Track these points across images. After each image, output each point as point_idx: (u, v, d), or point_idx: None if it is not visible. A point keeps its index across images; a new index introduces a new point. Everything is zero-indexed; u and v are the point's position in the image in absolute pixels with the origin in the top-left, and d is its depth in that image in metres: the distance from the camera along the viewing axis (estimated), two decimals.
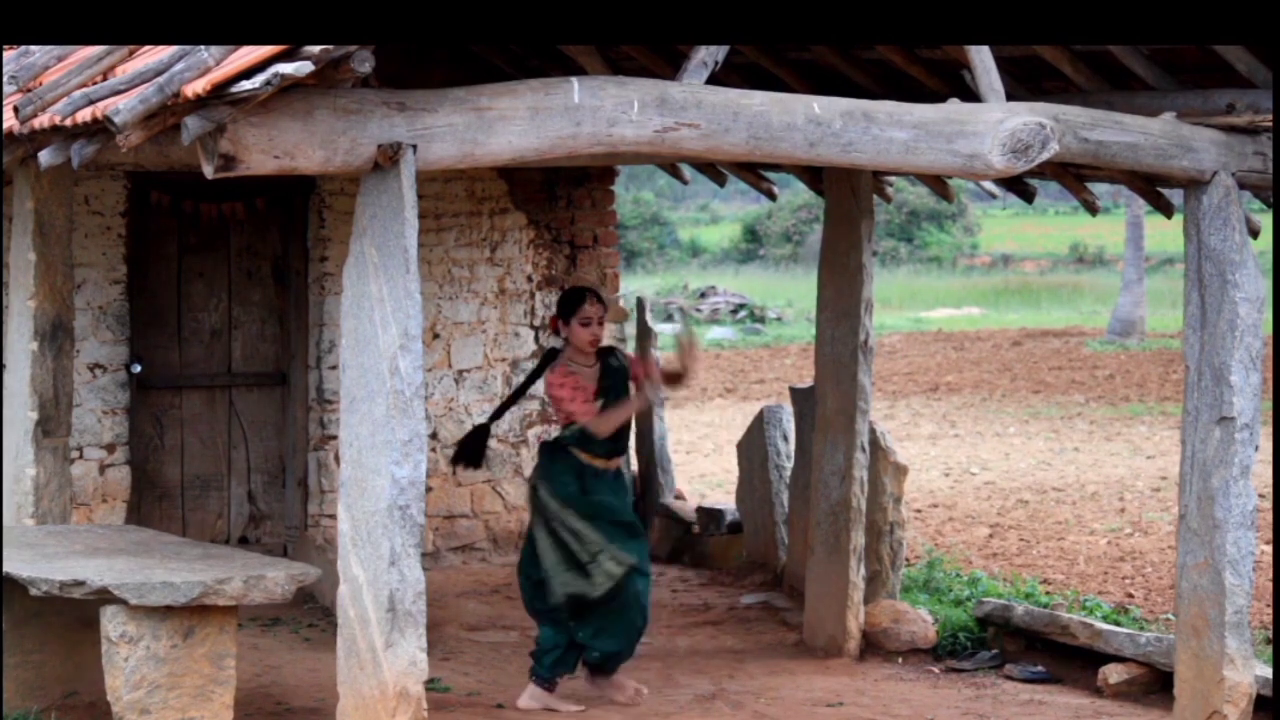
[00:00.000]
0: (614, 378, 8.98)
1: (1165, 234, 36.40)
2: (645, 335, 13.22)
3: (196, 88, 6.35)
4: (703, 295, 37.78)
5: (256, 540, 11.79)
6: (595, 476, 8.88)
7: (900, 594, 11.19)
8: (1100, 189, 13.56)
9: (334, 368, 11.75)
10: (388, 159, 6.81)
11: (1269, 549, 12.91)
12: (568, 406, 8.88)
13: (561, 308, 9.01)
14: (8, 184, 9.58)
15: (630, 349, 13.27)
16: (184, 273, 11.67)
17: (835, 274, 10.68)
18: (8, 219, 9.51)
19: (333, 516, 11.56)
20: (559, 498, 8.85)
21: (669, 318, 35.32)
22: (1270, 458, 13.61)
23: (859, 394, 10.52)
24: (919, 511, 15.34)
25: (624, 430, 9.01)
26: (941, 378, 26.58)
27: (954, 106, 7.77)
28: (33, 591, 7.78)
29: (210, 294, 11.73)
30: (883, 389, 25.02)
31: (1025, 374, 26.84)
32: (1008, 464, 18.64)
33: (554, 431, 9.40)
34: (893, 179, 11.84)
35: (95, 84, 7.00)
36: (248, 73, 6.35)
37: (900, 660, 10.55)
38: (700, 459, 18.75)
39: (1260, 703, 8.75)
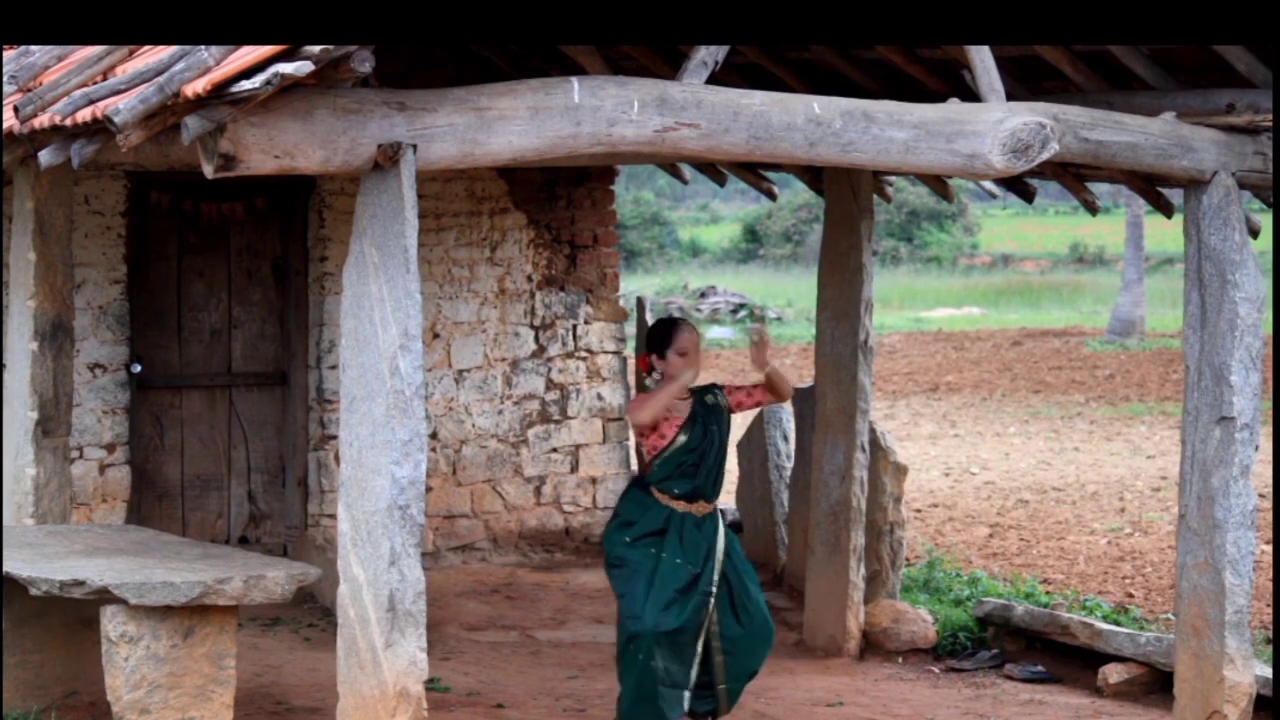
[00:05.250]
0: (709, 414, 8.31)
1: (1165, 234, 36.43)
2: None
3: (196, 88, 6.35)
4: (703, 295, 37.77)
5: (256, 540, 11.78)
6: (682, 523, 8.21)
7: (900, 594, 11.19)
8: (1100, 189, 13.56)
9: (334, 367, 11.75)
10: (388, 159, 6.81)
11: (1269, 549, 12.91)
12: (642, 425, 8.21)
13: (654, 342, 8.34)
14: (8, 184, 9.58)
15: (630, 349, 13.27)
16: (184, 273, 11.67)
17: (835, 274, 10.69)
18: (8, 219, 9.51)
19: (333, 516, 11.56)
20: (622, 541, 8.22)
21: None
22: (1270, 458, 13.62)
23: (859, 394, 10.53)
24: (919, 511, 15.34)
25: (702, 471, 8.26)
26: (941, 378, 26.58)
27: (954, 106, 7.77)
28: (33, 591, 7.78)
29: (210, 294, 11.73)
30: (883, 389, 25.02)
31: (1025, 374, 26.84)
32: (1008, 464, 18.64)
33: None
34: (893, 179, 11.84)
35: (95, 84, 7.00)
36: (248, 73, 6.35)
37: (900, 660, 10.56)
38: None
39: (1260, 703, 8.75)
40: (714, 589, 8.23)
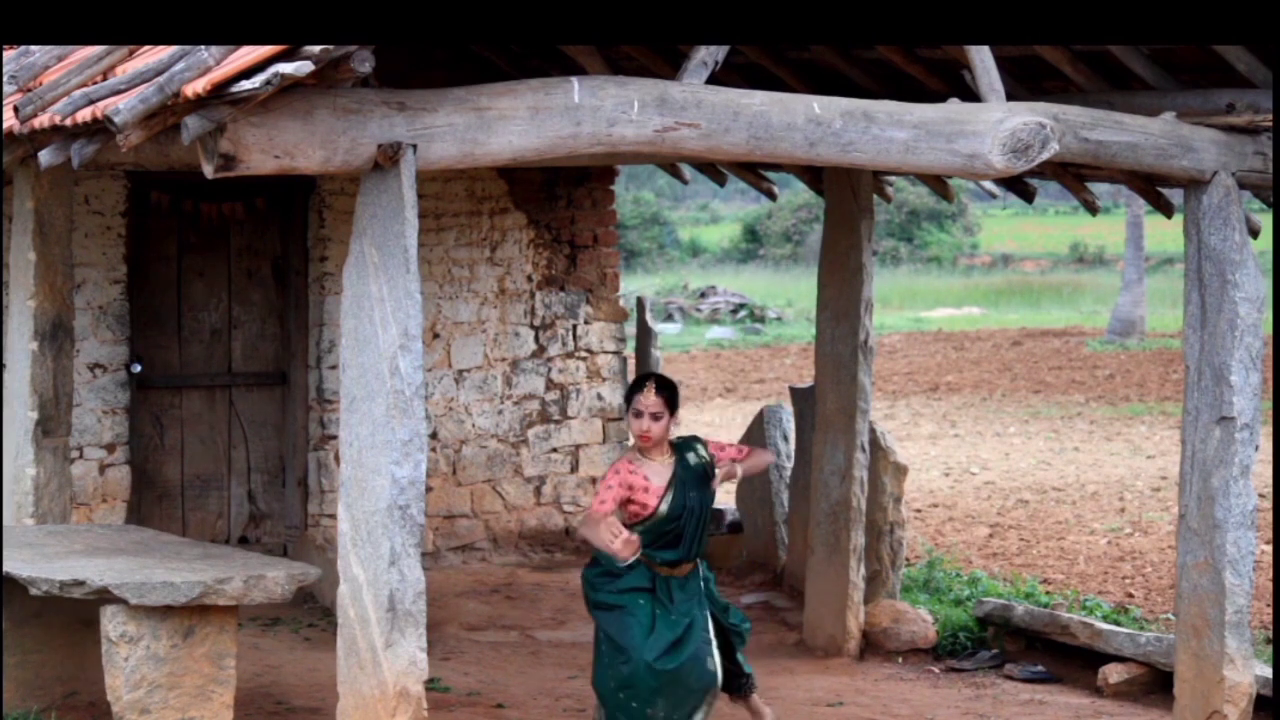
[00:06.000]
0: (690, 477, 7.95)
1: (1165, 234, 36.43)
2: (645, 335, 13.23)
3: (196, 87, 6.35)
4: (703, 295, 37.77)
5: (256, 540, 11.78)
6: (668, 585, 7.97)
7: (900, 594, 11.19)
8: (1100, 189, 13.57)
9: (334, 367, 11.75)
10: (388, 159, 6.81)
11: (1269, 549, 12.91)
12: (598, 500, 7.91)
13: (626, 396, 8.14)
14: (8, 184, 9.59)
15: (630, 349, 13.28)
16: (184, 273, 11.67)
17: (835, 274, 10.69)
18: (8, 219, 9.51)
19: (333, 516, 11.56)
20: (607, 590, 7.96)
21: (669, 317, 35.32)
22: (1270, 458, 13.61)
23: (859, 394, 10.53)
24: (919, 511, 15.34)
25: (685, 540, 7.93)
26: (941, 378, 26.58)
27: (954, 106, 7.77)
28: (33, 591, 7.78)
29: (210, 294, 11.73)
30: (883, 389, 25.02)
31: (1025, 374, 26.84)
32: (1008, 464, 18.64)
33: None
34: (893, 179, 11.84)
35: (95, 84, 7.00)
36: (248, 72, 6.35)
37: (900, 660, 10.56)
38: None
39: (1260, 703, 8.75)
40: (710, 634, 7.98)
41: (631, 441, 8.21)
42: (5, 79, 7.89)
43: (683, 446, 8.01)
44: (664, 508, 7.87)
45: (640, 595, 7.91)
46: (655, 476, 7.90)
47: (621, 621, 7.87)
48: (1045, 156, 7.80)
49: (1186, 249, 8.54)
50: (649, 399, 7.88)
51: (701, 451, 8.03)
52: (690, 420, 21.94)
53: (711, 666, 7.93)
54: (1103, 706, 9.61)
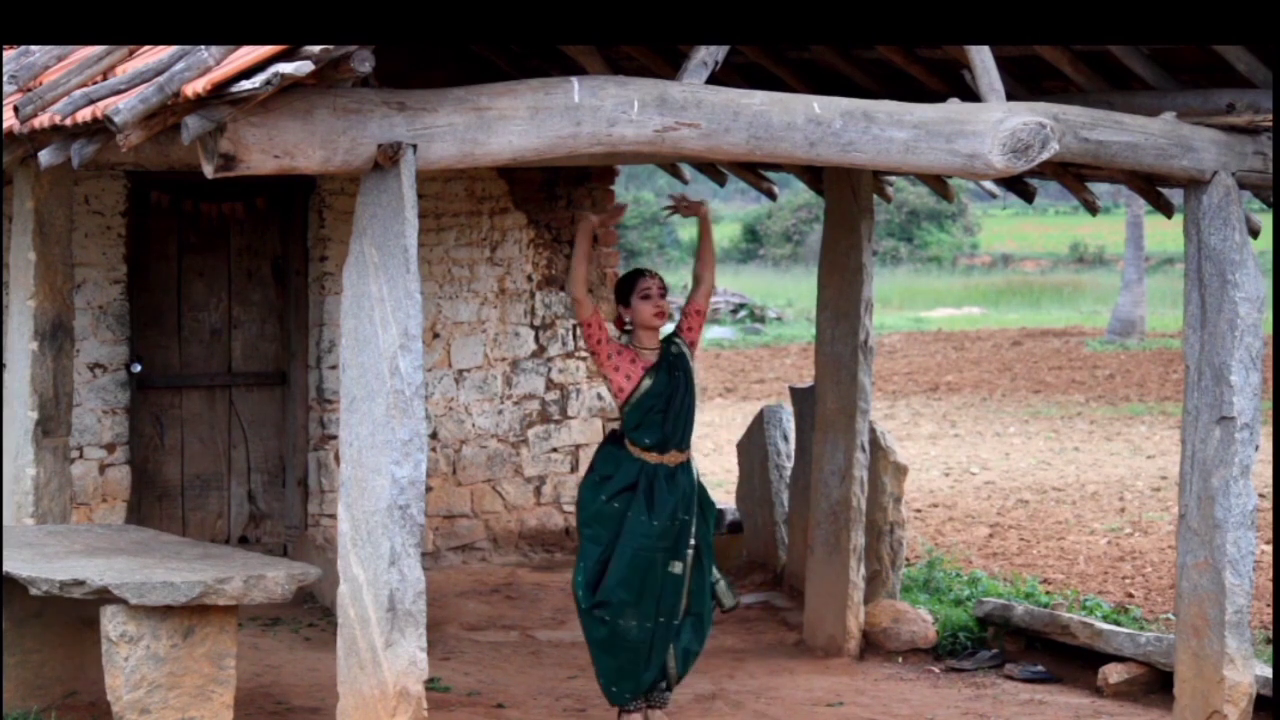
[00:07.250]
0: (675, 361, 8.57)
1: (1165, 234, 36.44)
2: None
3: (196, 87, 6.35)
4: None
5: (256, 540, 11.78)
6: (654, 476, 8.37)
7: (900, 594, 11.19)
8: (1100, 189, 13.57)
9: (334, 367, 11.75)
10: (388, 159, 6.81)
11: (1269, 549, 12.91)
12: (603, 364, 8.47)
13: (620, 293, 8.64)
14: (8, 184, 9.59)
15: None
16: (184, 273, 11.67)
17: (835, 274, 10.69)
18: (8, 219, 9.51)
19: (333, 516, 11.56)
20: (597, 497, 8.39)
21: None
22: (1270, 458, 13.62)
23: (859, 394, 10.53)
24: (919, 511, 15.34)
25: (670, 418, 8.44)
26: (941, 378, 26.58)
27: (954, 106, 7.77)
28: (33, 591, 7.78)
29: (210, 294, 11.73)
30: (883, 389, 25.02)
31: (1025, 374, 26.84)
32: (1008, 464, 18.64)
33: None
34: (893, 179, 11.84)
35: (95, 84, 7.00)
36: (248, 72, 6.35)
37: (900, 660, 10.56)
38: (700, 458, 18.75)
39: (1260, 702, 8.75)
40: (694, 543, 8.37)
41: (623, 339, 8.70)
42: (5, 79, 7.89)
43: (666, 340, 8.66)
44: (648, 381, 8.45)
45: (621, 501, 8.32)
46: (642, 357, 8.52)
47: (591, 548, 8.33)
48: (1045, 156, 7.80)
49: (1186, 249, 8.54)
50: (656, 282, 8.61)
51: (681, 344, 8.66)
52: None
53: (678, 570, 8.34)
54: (1103, 706, 9.61)
